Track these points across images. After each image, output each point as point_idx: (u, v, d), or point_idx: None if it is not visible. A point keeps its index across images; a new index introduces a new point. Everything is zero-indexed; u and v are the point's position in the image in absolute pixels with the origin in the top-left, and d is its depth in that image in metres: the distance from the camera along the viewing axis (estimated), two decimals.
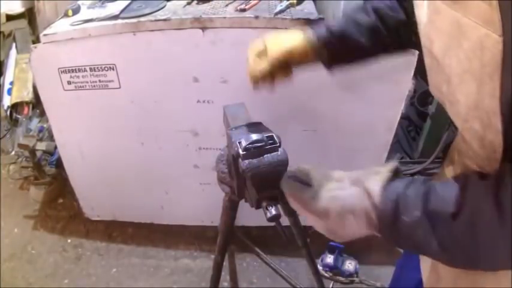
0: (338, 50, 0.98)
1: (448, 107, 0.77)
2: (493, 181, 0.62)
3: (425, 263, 1.05)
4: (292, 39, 0.99)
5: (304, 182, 0.78)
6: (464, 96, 0.67)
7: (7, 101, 2.84)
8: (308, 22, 1.60)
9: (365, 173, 0.73)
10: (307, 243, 1.47)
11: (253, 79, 1.02)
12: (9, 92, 2.86)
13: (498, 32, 0.55)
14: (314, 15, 1.63)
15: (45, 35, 1.68)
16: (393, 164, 0.73)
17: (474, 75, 0.62)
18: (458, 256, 0.66)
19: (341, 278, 2.10)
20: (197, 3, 1.74)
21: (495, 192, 0.60)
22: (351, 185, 0.73)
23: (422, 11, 0.75)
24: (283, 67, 1.01)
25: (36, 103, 2.81)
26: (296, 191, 0.79)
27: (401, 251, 1.40)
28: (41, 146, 2.46)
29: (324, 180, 0.76)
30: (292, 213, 1.27)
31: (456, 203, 0.64)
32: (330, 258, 2.09)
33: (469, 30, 0.60)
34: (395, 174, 0.71)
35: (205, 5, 1.72)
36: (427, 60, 0.79)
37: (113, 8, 1.74)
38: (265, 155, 0.92)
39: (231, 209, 1.24)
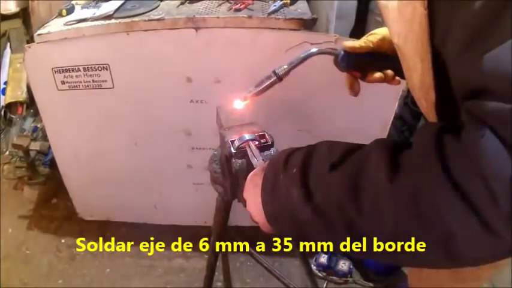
0: None
1: (412, 93, 0.77)
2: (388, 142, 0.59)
3: None
4: None
5: None
6: (416, 78, 0.67)
7: (1, 101, 2.83)
8: (302, 22, 1.61)
9: None
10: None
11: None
12: (3, 91, 2.84)
13: (424, 5, 0.56)
14: (307, 15, 1.63)
15: (39, 34, 1.68)
16: None
17: (420, 55, 0.63)
18: (336, 224, 0.57)
19: (335, 278, 2.10)
20: (190, 3, 1.74)
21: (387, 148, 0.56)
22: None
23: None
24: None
25: (30, 103, 2.80)
26: None
27: None
28: (35, 146, 2.46)
29: None
30: None
31: (339, 155, 0.59)
32: (323, 258, 2.09)
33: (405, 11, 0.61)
34: None
35: (199, 4, 1.73)
36: (399, 56, 0.78)
37: (107, 8, 1.73)
38: None
39: (224, 209, 1.24)
